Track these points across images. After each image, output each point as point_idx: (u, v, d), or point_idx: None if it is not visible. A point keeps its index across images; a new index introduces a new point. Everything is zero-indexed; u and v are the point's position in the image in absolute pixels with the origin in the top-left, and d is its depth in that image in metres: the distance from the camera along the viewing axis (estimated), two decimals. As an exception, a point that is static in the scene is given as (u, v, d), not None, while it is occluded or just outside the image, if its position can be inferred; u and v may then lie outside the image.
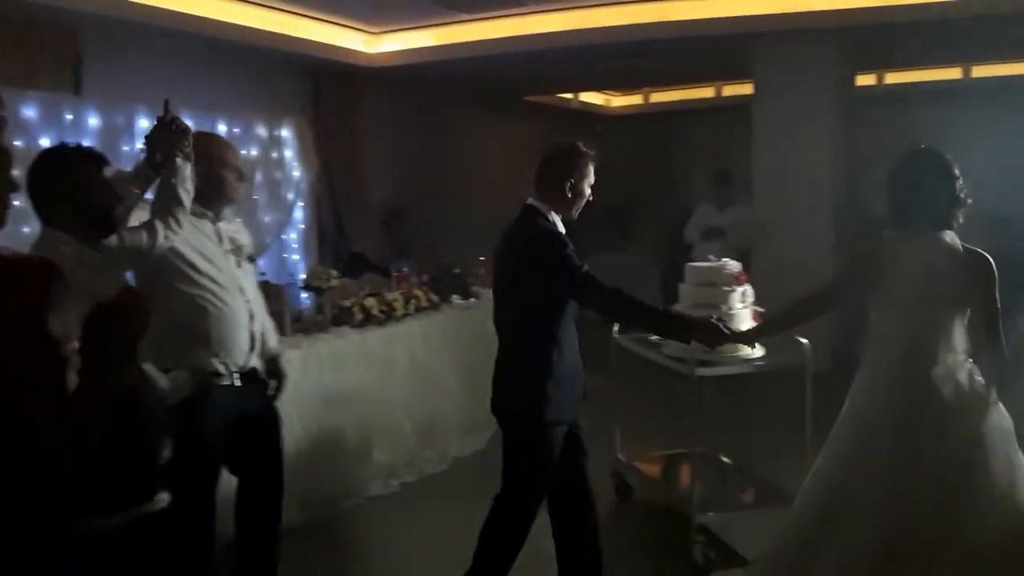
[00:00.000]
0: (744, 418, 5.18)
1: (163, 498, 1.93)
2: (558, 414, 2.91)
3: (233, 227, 3.08)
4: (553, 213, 2.95)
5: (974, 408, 2.60)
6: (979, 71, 8.96)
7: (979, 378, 2.64)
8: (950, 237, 2.67)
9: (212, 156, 2.89)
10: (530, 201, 2.98)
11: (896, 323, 2.68)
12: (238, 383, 2.93)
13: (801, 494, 2.88)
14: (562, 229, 2.96)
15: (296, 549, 3.73)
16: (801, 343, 3.57)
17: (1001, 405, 2.64)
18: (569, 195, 2.96)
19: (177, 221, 2.68)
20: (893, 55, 8.14)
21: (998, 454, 2.57)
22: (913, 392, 2.61)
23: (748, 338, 3.20)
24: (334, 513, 4.24)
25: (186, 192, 2.71)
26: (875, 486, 2.58)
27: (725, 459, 4.27)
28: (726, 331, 2.94)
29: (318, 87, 7.65)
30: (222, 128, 6.50)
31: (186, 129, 2.74)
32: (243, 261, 3.03)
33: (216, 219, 2.97)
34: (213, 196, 2.92)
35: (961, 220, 2.70)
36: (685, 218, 7.62)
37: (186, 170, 2.71)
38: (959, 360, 2.63)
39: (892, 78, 9.32)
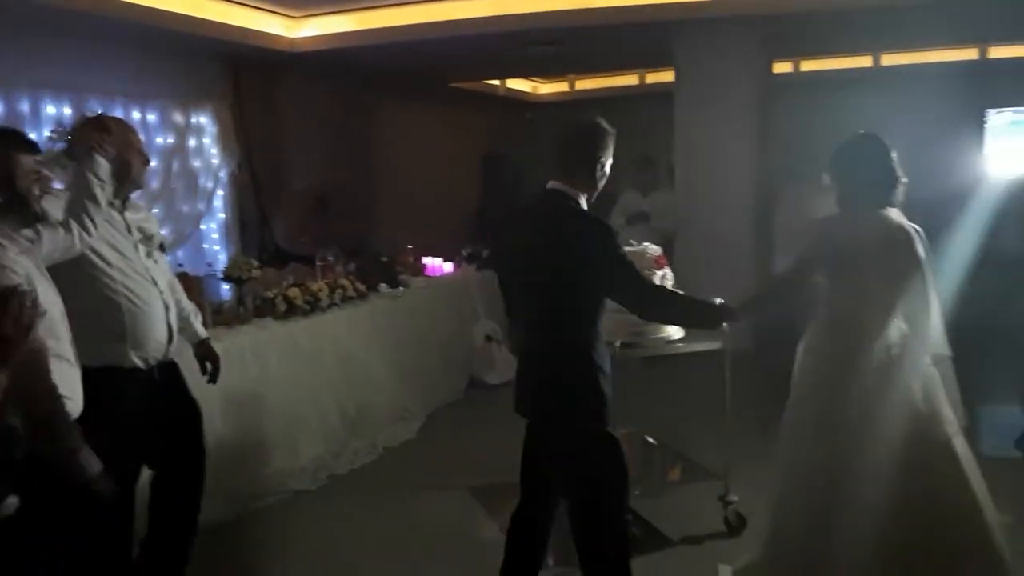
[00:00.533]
0: (667, 398, 5.29)
1: (12, 503, 1.87)
2: (611, 409, 2.71)
3: (141, 216, 3.01)
4: (582, 197, 2.73)
5: (905, 366, 2.83)
6: (888, 59, 9.33)
7: (914, 341, 2.86)
8: (895, 214, 2.90)
9: (116, 140, 2.80)
10: (555, 185, 2.73)
11: (844, 291, 2.93)
12: (156, 376, 2.89)
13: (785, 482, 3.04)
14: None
15: (220, 546, 3.67)
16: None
17: (931, 365, 2.88)
18: (597, 176, 2.77)
19: (93, 221, 2.62)
20: (808, 44, 8.38)
21: (927, 404, 2.83)
22: (852, 351, 2.85)
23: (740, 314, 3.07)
24: (260, 508, 4.17)
25: (102, 190, 2.66)
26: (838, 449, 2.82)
27: (649, 439, 4.36)
28: (733, 309, 2.92)
29: (237, 72, 7.44)
30: (136, 115, 6.29)
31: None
32: (154, 251, 2.96)
33: (123, 207, 2.90)
34: (120, 181, 2.84)
35: (901, 198, 2.93)
36: (611, 204, 7.72)
37: (103, 168, 2.67)
38: (897, 325, 2.86)
39: (807, 66, 9.62)
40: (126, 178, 2.88)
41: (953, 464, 2.82)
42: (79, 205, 2.60)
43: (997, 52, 8.89)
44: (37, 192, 2.35)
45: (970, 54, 8.95)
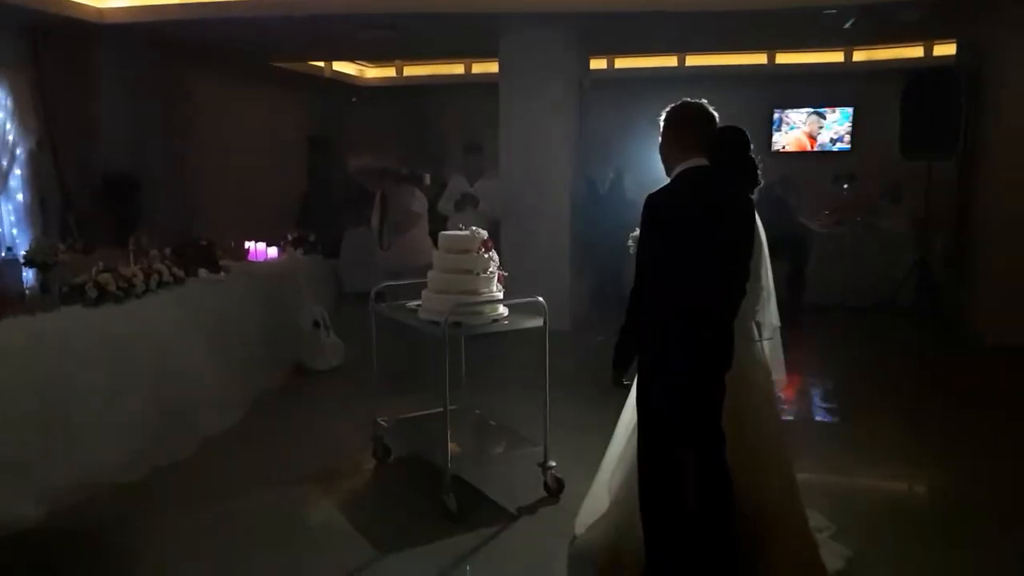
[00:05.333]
0: (493, 374, 5.53)
1: None
2: None
3: None
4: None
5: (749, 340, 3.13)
6: (692, 60, 10.10)
7: (755, 320, 3.17)
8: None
9: None
10: (709, 168, 2.90)
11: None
12: None
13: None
14: None
15: (34, 547, 3.48)
16: (539, 302, 3.91)
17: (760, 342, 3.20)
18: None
19: None
20: (622, 42, 8.90)
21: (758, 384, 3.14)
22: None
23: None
24: (75, 504, 3.95)
25: None
26: None
27: (477, 412, 4.56)
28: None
29: (38, 42, 6.86)
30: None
31: None
32: None
33: None
34: None
35: (761, 183, 3.16)
36: (440, 191, 7.88)
37: None
38: (746, 306, 3.08)
39: (620, 63, 10.22)
40: None
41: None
42: None
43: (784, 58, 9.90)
44: None
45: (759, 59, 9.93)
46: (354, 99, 11.56)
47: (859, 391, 6.05)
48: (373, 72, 11.56)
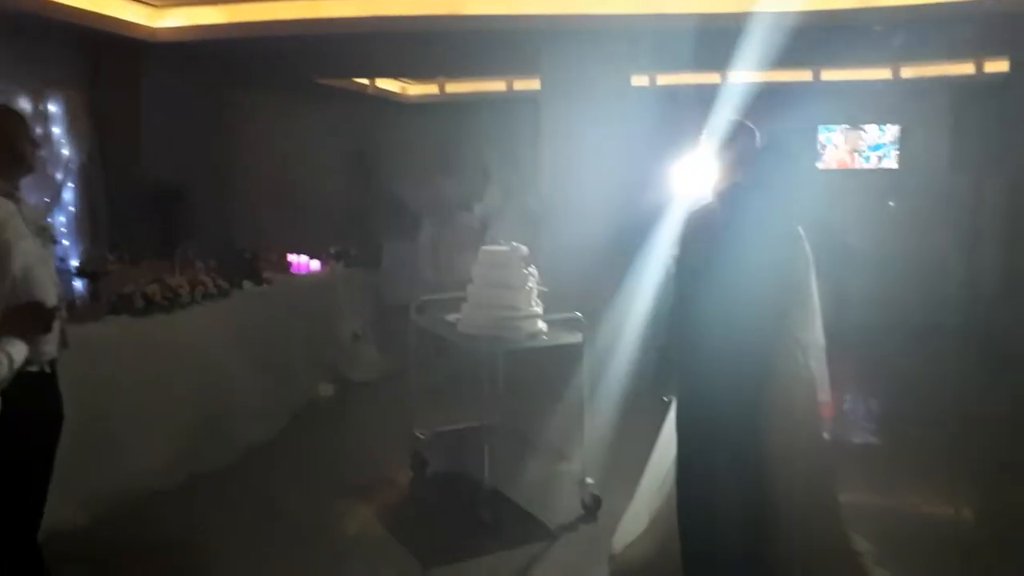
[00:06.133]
0: (531, 389, 5.51)
1: None
2: None
3: (39, 207, 2.92)
4: None
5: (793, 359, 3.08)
6: (736, 76, 9.99)
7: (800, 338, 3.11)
8: None
9: (4, 127, 2.75)
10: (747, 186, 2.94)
11: None
12: (48, 370, 2.83)
13: None
14: None
15: (73, 550, 3.54)
16: (578, 318, 3.89)
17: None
18: None
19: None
20: (665, 60, 8.87)
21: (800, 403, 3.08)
22: None
23: None
24: (116, 509, 4.02)
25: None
26: None
27: (513, 427, 4.54)
28: None
29: (94, 60, 7.07)
30: (-23, 98, 5.91)
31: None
32: (47, 243, 2.88)
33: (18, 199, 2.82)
34: (14, 170, 2.77)
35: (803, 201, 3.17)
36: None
37: None
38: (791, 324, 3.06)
39: (663, 79, 10.17)
40: (20, 166, 2.79)
41: None
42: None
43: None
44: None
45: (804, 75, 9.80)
46: (397, 116, 11.69)
47: (904, 412, 5.91)
48: (415, 89, 11.69)
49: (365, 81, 10.72)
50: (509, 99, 10.88)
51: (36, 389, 2.74)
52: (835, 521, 3.13)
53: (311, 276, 6.67)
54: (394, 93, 11.45)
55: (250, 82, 9.06)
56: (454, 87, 11.50)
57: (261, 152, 9.41)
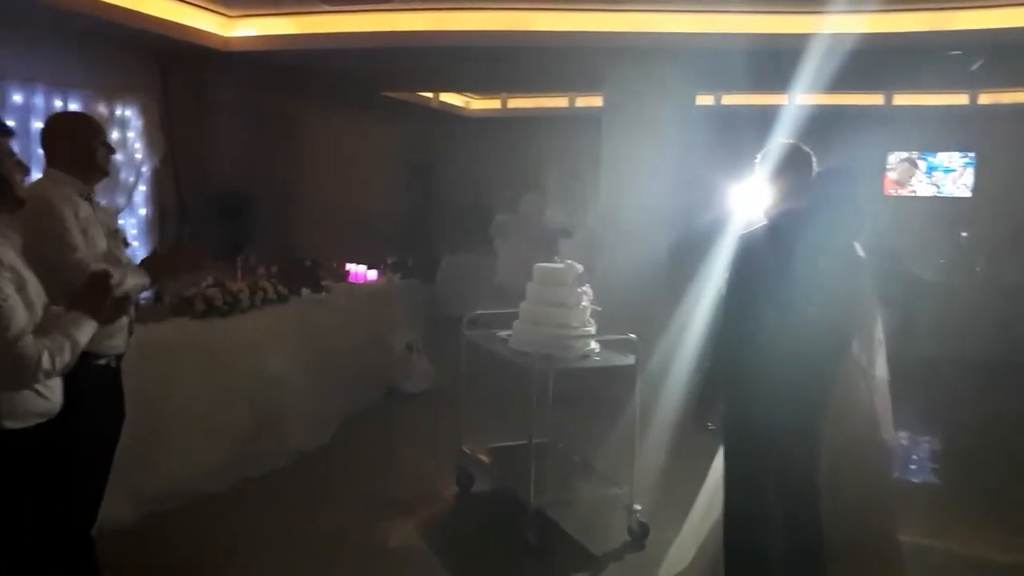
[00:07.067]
0: (581, 409, 5.45)
1: None
2: None
3: (112, 210, 3.03)
4: None
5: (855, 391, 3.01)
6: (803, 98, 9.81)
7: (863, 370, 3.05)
8: None
9: (81, 131, 2.83)
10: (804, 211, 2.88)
11: None
12: (114, 365, 2.92)
13: None
14: None
15: (123, 548, 3.61)
16: (632, 339, 3.83)
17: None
18: None
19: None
20: (731, 79, 8.76)
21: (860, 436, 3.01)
22: None
23: None
24: (169, 509, 4.10)
25: None
26: None
27: (562, 447, 4.50)
28: None
29: (167, 67, 7.31)
30: (58, 103, 6.16)
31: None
32: (119, 245, 2.97)
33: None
34: (90, 173, 2.85)
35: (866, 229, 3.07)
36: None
37: None
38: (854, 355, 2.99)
39: (728, 100, 10.04)
40: (95, 169, 2.87)
41: None
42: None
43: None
44: (18, 177, 2.30)
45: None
46: (459, 130, 11.78)
47: (970, 451, 5.66)
48: (479, 103, 11.78)
49: (429, 95, 10.84)
50: (571, 116, 10.88)
51: (102, 383, 2.82)
52: (896, 564, 3.00)
53: (368, 286, 6.73)
54: (457, 107, 11.55)
55: (317, 93, 9.24)
56: (516, 102, 11.55)
57: (324, 162, 9.57)
